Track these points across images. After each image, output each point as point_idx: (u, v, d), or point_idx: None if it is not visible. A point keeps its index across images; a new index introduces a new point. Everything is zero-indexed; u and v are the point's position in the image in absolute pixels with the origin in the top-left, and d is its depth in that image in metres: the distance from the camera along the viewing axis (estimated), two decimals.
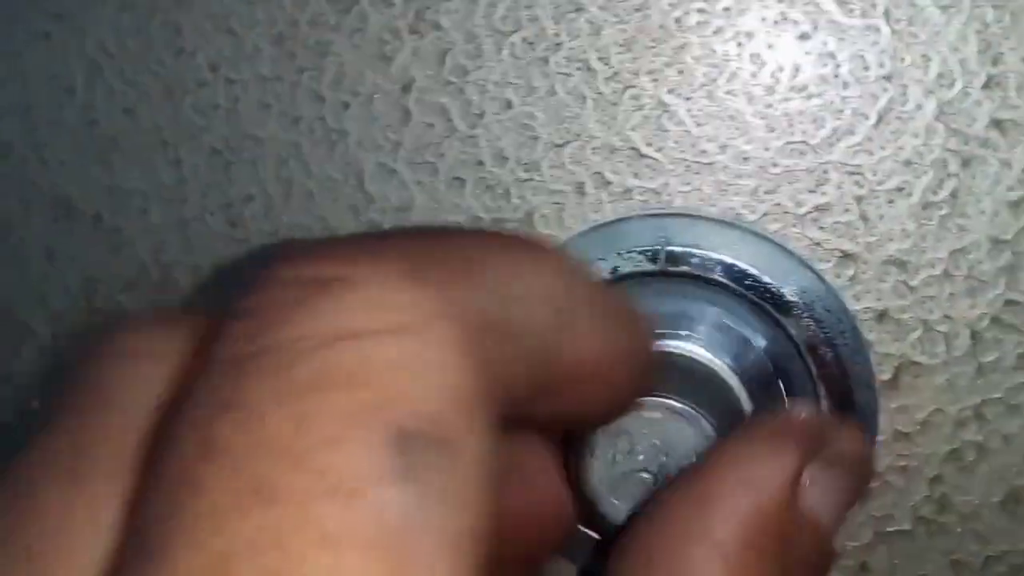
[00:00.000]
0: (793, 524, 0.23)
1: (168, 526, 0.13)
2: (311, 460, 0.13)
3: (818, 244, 0.30)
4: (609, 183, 0.31)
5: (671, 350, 0.29)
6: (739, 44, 0.29)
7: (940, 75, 0.29)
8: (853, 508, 0.26)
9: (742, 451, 0.24)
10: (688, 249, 0.30)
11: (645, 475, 0.27)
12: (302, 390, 0.13)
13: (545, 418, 0.19)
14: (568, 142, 0.31)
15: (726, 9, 0.29)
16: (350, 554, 0.12)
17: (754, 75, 0.29)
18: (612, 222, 0.31)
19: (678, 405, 0.26)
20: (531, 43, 0.30)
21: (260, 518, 0.12)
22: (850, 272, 0.30)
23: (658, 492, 0.25)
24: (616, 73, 0.30)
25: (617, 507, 0.27)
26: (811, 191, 0.30)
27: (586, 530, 0.29)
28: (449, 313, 0.14)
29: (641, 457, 0.26)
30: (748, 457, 0.23)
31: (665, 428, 0.26)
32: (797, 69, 0.29)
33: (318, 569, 0.12)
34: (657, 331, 0.30)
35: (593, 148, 0.31)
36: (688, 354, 0.29)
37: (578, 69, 0.30)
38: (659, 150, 0.30)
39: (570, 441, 0.26)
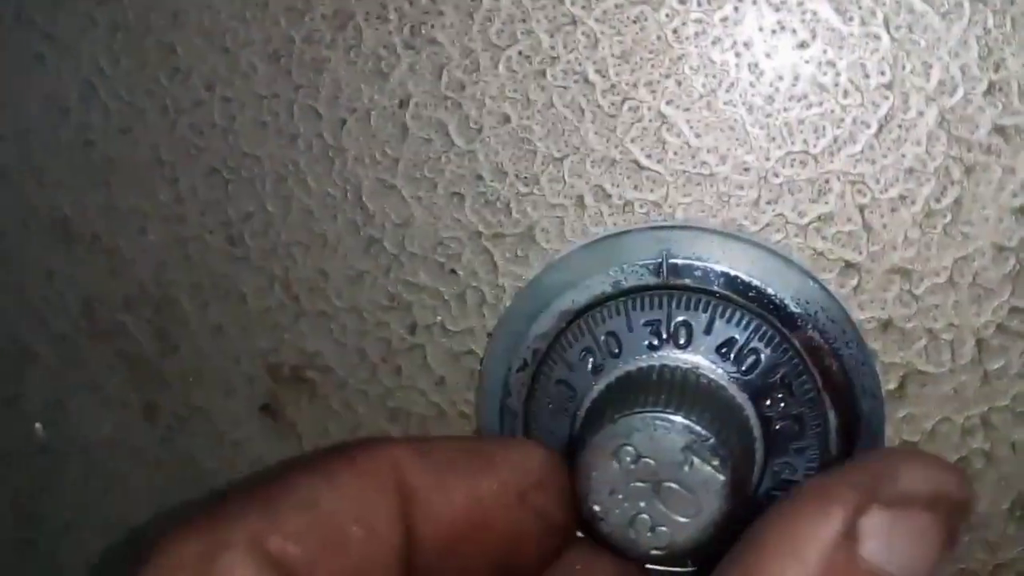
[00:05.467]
0: None
1: None
2: None
3: (821, 254, 0.30)
4: (609, 196, 0.31)
5: (675, 364, 0.29)
6: (737, 54, 0.29)
7: (941, 82, 0.28)
8: (950, 551, 0.22)
9: (785, 517, 0.22)
10: (690, 261, 0.30)
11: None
12: None
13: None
14: (567, 155, 0.31)
15: (723, 19, 0.29)
16: None
17: (753, 85, 0.29)
18: (613, 235, 0.31)
19: (681, 421, 0.26)
20: (527, 57, 0.30)
21: None
22: (853, 282, 0.30)
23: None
24: (614, 85, 0.30)
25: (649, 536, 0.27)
26: (813, 201, 0.29)
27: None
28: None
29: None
30: (791, 522, 0.21)
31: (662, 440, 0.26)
32: (796, 78, 0.29)
33: None
34: (662, 343, 0.30)
35: (592, 161, 0.30)
36: (692, 367, 0.29)
37: (575, 82, 0.30)
38: (659, 162, 0.30)
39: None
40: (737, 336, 0.29)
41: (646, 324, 0.30)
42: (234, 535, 0.21)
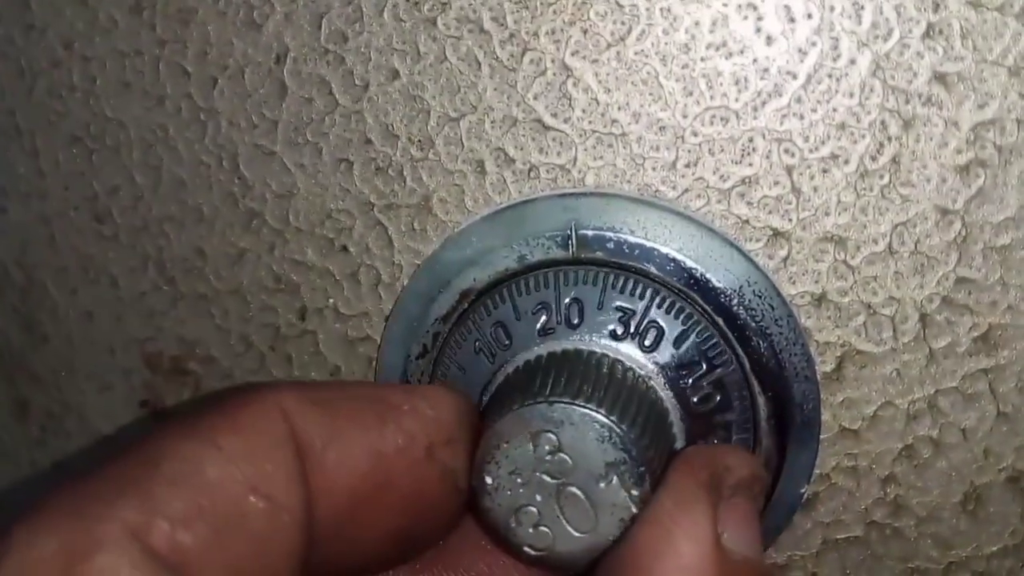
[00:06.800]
0: None
1: None
2: None
3: (746, 222, 0.27)
4: (512, 160, 0.28)
5: (585, 347, 0.26)
6: None
7: (874, 25, 0.26)
8: (760, 523, 0.24)
9: (660, 531, 0.22)
10: (602, 232, 0.27)
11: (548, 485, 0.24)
12: None
13: (380, 539, 0.23)
14: (464, 115, 0.27)
15: None
16: None
17: (667, 32, 0.26)
18: (517, 204, 0.28)
19: (594, 415, 0.23)
20: (416, 3, 0.27)
21: None
22: (783, 252, 0.27)
23: None
24: (512, 35, 0.27)
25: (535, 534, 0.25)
26: (736, 162, 0.27)
27: None
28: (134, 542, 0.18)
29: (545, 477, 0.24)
30: (668, 535, 0.22)
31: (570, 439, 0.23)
32: (715, 24, 0.26)
33: None
34: (568, 327, 0.26)
35: (492, 121, 0.27)
36: (604, 351, 0.26)
37: (470, 31, 0.27)
38: (565, 121, 0.27)
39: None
40: (653, 315, 0.26)
41: (526, 309, 0.27)
42: (107, 527, 0.17)
